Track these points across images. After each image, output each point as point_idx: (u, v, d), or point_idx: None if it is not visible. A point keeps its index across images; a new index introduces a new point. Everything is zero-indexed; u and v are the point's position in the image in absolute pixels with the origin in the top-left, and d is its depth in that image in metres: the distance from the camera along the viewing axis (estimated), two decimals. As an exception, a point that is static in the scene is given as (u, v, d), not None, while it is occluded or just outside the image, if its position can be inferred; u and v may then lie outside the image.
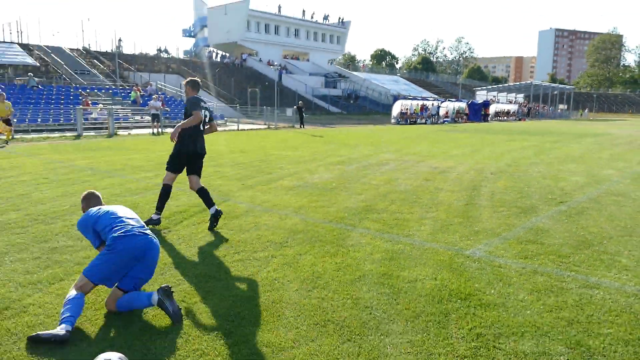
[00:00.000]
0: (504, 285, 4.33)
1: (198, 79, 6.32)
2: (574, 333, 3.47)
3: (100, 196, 4.35)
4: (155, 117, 24.20)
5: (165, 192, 6.19)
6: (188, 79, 6.20)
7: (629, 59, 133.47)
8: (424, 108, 45.84)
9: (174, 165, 6.19)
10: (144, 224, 3.96)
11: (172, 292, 3.58)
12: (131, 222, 3.81)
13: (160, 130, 23.94)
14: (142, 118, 28.40)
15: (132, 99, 31.16)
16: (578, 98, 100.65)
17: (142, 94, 32.20)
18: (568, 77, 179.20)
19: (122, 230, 3.66)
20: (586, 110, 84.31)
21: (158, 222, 6.09)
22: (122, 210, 3.97)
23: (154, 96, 28.23)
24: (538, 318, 3.68)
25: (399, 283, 4.34)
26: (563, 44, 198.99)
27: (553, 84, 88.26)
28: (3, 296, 3.90)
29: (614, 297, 4.12)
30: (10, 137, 17.54)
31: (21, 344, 3.19)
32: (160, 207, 6.16)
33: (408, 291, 4.16)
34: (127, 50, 57.62)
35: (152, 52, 60.52)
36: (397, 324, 3.55)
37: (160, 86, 38.70)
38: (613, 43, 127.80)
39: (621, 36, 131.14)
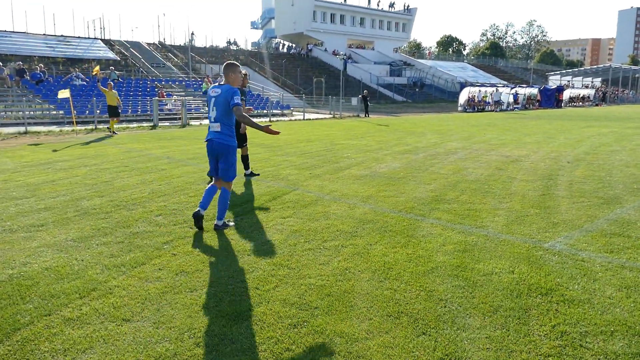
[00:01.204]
0: (588, 280, 4.09)
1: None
2: (670, 334, 3.22)
3: None
4: None
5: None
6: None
7: None
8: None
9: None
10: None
11: None
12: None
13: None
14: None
15: (203, 90, 32.20)
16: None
17: (213, 85, 33.16)
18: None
19: None
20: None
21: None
22: None
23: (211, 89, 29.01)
24: (629, 316, 3.45)
25: (474, 276, 4.20)
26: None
27: (634, 67, 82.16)
28: (91, 277, 4.15)
29: None
30: (113, 127, 18.69)
31: (109, 324, 3.39)
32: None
33: (484, 284, 4.02)
34: (199, 43, 59.53)
35: (222, 44, 62.20)
36: (474, 318, 3.45)
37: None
38: None
39: None
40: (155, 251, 4.83)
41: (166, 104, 26.90)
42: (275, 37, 72.19)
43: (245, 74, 9.01)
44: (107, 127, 19.16)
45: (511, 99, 45.75)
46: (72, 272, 4.27)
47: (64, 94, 17.29)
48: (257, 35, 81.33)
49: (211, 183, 5.77)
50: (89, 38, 43.38)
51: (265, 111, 29.76)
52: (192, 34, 57.74)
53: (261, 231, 5.56)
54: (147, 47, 46.24)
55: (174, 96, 29.07)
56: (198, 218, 5.54)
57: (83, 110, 23.79)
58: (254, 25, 79.12)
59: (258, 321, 3.44)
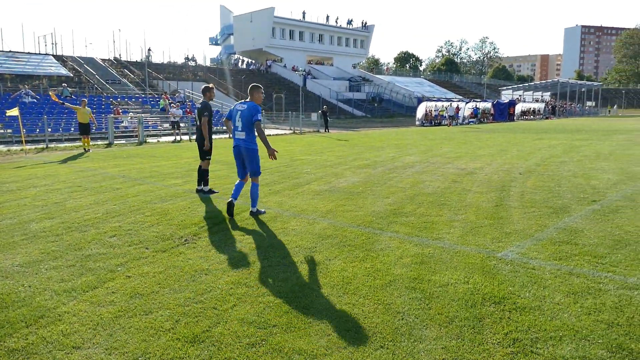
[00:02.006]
0: (538, 287, 4.23)
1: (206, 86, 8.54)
2: (615, 336, 3.36)
3: None
4: (175, 125, 24.60)
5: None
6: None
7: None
8: (458, 110, 45.57)
9: None
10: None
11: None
12: None
13: (181, 137, 24.34)
14: (170, 126, 28.87)
15: (161, 107, 31.76)
16: (606, 94, 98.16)
17: (170, 102, 32.75)
18: (595, 73, 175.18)
19: None
20: (615, 107, 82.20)
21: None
22: None
23: (173, 104, 28.66)
24: (576, 321, 3.58)
25: (430, 287, 4.28)
26: (589, 40, 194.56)
27: (580, 81, 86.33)
28: (39, 304, 3.99)
29: (656, 299, 3.98)
30: (88, 145, 18.39)
31: (57, 353, 3.26)
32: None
33: (440, 296, 4.10)
34: (156, 59, 58.77)
35: (180, 60, 61.54)
36: (430, 330, 3.50)
37: (188, 94, 39.32)
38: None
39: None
40: (109, 274, 4.69)
41: (122, 122, 26.35)
42: (235, 53, 72.09)
43: (212, 87, 9.06)
44: (83, 146, 18.83)
45: (467, 113, 47.13)
46: (18, 300, 4.09)
47: (13, 112, 16.70)
48: (216, 51, 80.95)
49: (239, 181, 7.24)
50: (39, 54, 42.15)
51: (224, 128, 29.52)
52: (149, 49, 57.08)
53: (219, 250, 5.50)
54: (101, 63, 45.33)
55: (130, 113, 28.50)
56: (231, 206, 7.00)
57: (33, 128, 22.99)
58: (212, 41, 78.78)
59: (215, 342, 3.38)
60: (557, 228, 6.20)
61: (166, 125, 29.02)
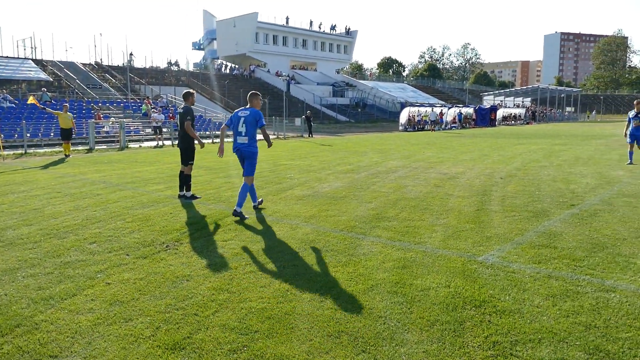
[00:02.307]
0: (518, 291, 4.28)
1: (187, 91, 9.00)
2: (592, 338, 3.42)
3: None
4: (157, 130, 24.42)
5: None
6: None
7: (635, 60, 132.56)
8: (442, 115, 46.03)
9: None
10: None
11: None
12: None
13: (163, 142, 24.16)
14: (152, 131, 28.64)
15: (143, 111, 31.48)
16: (585, 100, 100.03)
17: (153, 107, 32.49)
18: (574, 79, 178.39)
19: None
20: (593, 112, 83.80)
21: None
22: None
23: (154, 109, 28.44)
24: (555, 324, 3.63)
25: (412, 292, 4.30)
26: (569, 47, 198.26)
27: (560, 87, 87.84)
28: (15, 313, 3.91)
29: (631, 300, 4.06)
30: (68, 151, 18.12)
31: (36, 360, 3.20)
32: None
33: (421, 300, 4.12)
34: (138, 64, 58.26)
35: (163, 65, 61.05)
36: (411, 334, 3.52)
37: (170, 99, 39.06)
38: (618, 45, 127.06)
39: (626, 38, 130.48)
40: (88, 281, 4.62)
41: (103, 127, 26.06)
42: (218, 58, 71.90)
43: (193, 93, 9.13)
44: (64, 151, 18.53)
45: (449, 118, 47.61)
46: (-5, 307, 4.01)
47: None
48: (199, 56, 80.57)
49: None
50: (18, 58, 41.51)
51: (207, 132, 29.40)
52: (131, 54, 56.40)
53: (201, 255, 5.46)
54: (82, 67, 44.82)
55: (112, 118, 28.21)
56: (256, 209, 7.88)
57: (11, 134, 22.59)
58: (195, 46, 78.45)
59: (196, 349, 3.35)
60: (536, 232, 6.29)
61: (148, 130, 28.78)
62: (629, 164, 13.51)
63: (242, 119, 7.38)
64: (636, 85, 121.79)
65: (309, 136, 31.64)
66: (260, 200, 8.13)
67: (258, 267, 5.04)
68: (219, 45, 70.41)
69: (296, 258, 5.32)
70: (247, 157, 7.48)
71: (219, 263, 5.19)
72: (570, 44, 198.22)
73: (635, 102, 13.87)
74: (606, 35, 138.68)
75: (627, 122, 13.80)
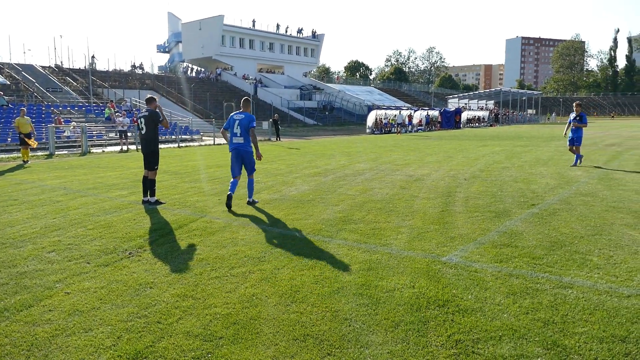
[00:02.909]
0: (480, 289, 4.38)
1: (151, 96, 9.00)
2: (550, 334, 3.52)
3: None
4: (123, 134, 23.95)
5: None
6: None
7: (592, 64, 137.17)
8: (411, 117, 46.66)
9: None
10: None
11: None
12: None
13: (127, 147, 23.71)
14: (116, 135, 28.02)
15: (106, 115, 30.75)
16: (545, 103, 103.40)
17: (116, 110, 31.80)
18: (535, 82, 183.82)
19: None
20: (553, 114, 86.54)
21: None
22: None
23: (119, 113, 27.87)
24: (515, 321, 3.73)
25: (378, 293, 4.34)
26: (529, 51, 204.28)
27: (521, 90, 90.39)
28: (-30, 325, 3.76)
29: (587, 295, 4.20)
30: (27, 156, 17.55)
31: (-10, 374, 3.08)
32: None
33: (387, 301, 4.16)
34: (100, 67, 56.93)
35: (127, 68, 59.80)
36: (376, 335, 3.55)
37: (135, 102, 38.30)
38: (576, 49, 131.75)
39: (584, 42, 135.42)
40: (46, 291, 4.48)
41: (64, 131, 25.34)
42: (184, 61, 70.98)
43: (156, 99, 9.07)
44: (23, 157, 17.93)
45: (415, 121, 48.30)
46: (-55, 321, 3.84)
47: None
48: (164, 58, 79.36)
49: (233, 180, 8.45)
50: (-27, 61, 39.98)
51: (173, 137, 28.96)
52: (93, 57, 55.12)
53: (165, 262, 5.37)
54: (41, 70, 43.50)
55: (73, 122, 27.46)
56: (229, 198, 8.26)
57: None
58: (160, 49, 77.17)
59: (159, 357, 3.29)
60: (498, 231, 6.44)
61: (112, 134, 28.15)
62: (574, 165, 13.77)
63: (237, 122, 8.31)
64: (593, 88, 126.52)
65: (277, 140, 31.57)
66: (229, 194, 8.47)
67: (224, 272, 4.99)
68: (184, 48, 69.54)
69: (262, 262, 5.29)
70: (244, 156, 8.46)
71: (183, 269, 5.11)
72: (530, 48, 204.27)
73: (574, 104, 14.32)
74: (565, 40, 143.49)
75: (567, 124, 14.23)
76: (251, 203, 8.66)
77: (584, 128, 14.07)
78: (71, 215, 7.76)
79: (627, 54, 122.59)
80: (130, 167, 15.28)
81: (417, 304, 4.09)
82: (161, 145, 26.43)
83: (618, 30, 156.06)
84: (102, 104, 35.62)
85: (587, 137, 29.03)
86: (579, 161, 13.96)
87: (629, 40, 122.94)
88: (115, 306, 4.14)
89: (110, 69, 55.49)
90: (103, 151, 22.81)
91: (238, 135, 8.34)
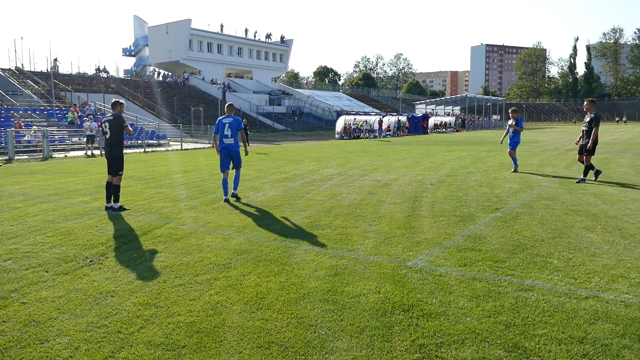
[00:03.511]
0: (445, 293, 4.43)
1: (116, 100, 8.89)
2: (512, 336, 3.58)
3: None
4: (90, 139, 23.40)
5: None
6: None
7: (553, 71, 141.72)
8: (381, 123, 47.10)
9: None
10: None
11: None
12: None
13: (92, 152, 23.16)
14: (80, 139, 27.32)
15: (69, 120, 29.96)
16: (509, 108, 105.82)
17: (79, 114, 31.02)
18: (499, 89, 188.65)
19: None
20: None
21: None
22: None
23: (85, 117, 27.21)
24: (477, 324, 3.78)
25: (343, 299, 4.34)
26: (493, 58, 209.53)
27: (486, 96, 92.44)
28: None
29: (547, 297, 4.30)
30: None
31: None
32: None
33: (352, 306, 4.17)
34: (63, 70, 55.23)
35: (91, 71, 58.35)
36: (341, 341, 3.54)
37: (99, 106, 37.45)
38: (538, 56, 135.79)
39: (545, 50, 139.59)
40: (1, 301, 4.31)
41: (24, 136, 24.53)
42: (150, 65, 69.87)
43: (123, 104, 8.91)
44: None
45: (384, 126, 48.79)
46: None
47: None
48: (129, 62, 77.83)
49: (223, 177, 9.38)
50: None
51: (139, 141, 28.42)
52: (56, 59, 53.37)
53: (128, 270, 5.24)
54: (1, 73, 42.04)
55: (34, 126, 26.63)
56: (227, 201, 9.23)
57: None
58: (126, 52, 75.73)
59: (119, 368, 3.20)
60: (463, 235, 6.54)
61: (75, 139, 27.44)
62: (514, 171, 13.74)
63: (227, 125, 9.24)
64: (555, 94, 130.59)
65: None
66: (228, 196, 9.45)
67: (188, 279, 4.91)
68: (151, 51, 68.48)
69: (228, 269, 5.23)
70: (233, 155, 9.36)
71: (146, 277, 5.00)
72: (494, 55, 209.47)
73: (510, 110, 14.56)
74: (527, 48, 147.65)
75: (506, 130, 14.33)
76: (235, 195, 9.55)
77: (521, 132, 14.14)
78: (30, 222, 7.51)
79: (586, 61, 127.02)
80: (94, 172, 14.91)
81: (382, 309, 4.10)
82: (127, 150, 25.83)
83: (577, 38, 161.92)
84: (65, 108, 34.69)
85: (550, 142, 29.91)
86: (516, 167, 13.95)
87: (588, 48, 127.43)
88: (74, 316, 4.01)
89: (74, 72, 54.18)
90: (65, 156, 22.20)
91: (229, 136, 9.23)
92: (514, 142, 14.03)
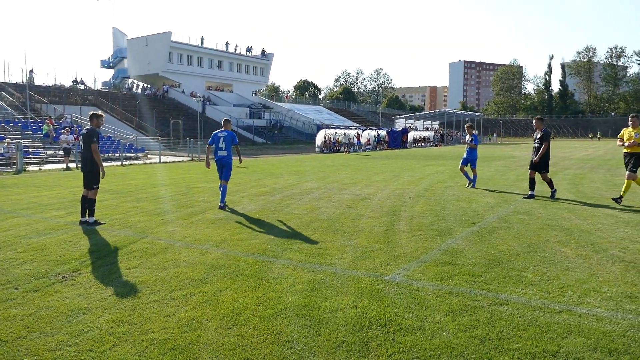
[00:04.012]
0: (421, 308, 4.44)
1: (94, 113, 8.74)
2: (486, 350, 3.60)
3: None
4: (67, 151, 23.02)
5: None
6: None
7: (529, 88, 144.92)
8: (359, 137, 47.41)
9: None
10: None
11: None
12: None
13: (67, 165, 22.77)
14: (55, 152, 26.86)
15: (44, 132, 29.45)
16: (487, 124, 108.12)
17: (55, 127, 30.53)
18: (477, 104, 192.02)
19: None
20: (494, 135, 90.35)
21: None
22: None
23: (63, 130, 26.80)
24: (453, 338, 3.80)
25: (321, 314, 4.32)
26: (471, 74, 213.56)
27: (464, 112, 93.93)
28: None
29: (522, 312, 4.34)
30: None
31: None
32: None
33: (329, 322, 4.15)
34: (39, 81, 54.49)
35: (68, 83, 57.55)
36: (318, 357, 3.52)
37: (75, 119, 36.92)
38: (514, 73, 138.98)
39: (521, 67, 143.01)
40: (-33, 319, 4.18)
41: (-3, 148, 24.02)
42: (129, 77, 69.31)
43: (101, 116, 8.78)
44: None
45: (364, 140, 49.14)
46: None
47: None
48: (108, 74, 77.08)
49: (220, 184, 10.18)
50: None
51: (117, 154, 28.06)
52: (31, 71, 52.51)
53: (102, 286, 5.14)
54: (-26, 84, 41.24)
55: (7, 139, 26.10)
56: (222, 208, 9.98)
57: None
58: (104, 64, 74.97)
59: (89, 388, 3.12)
60: (440, 250, 6.59)
61: (50, 152, 26.97)
62: (470, 186, 13.74)
63: (222, 138, 10.05)
64: (531, 110, 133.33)
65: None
66: (223, 203, 10.21)
67: (163, 295, 4.83)
68: (130, 64, 67.97)
69: (204, 284, 5.16)
70: (225, 165, 10.06)
71: (120, 293, 4.91)
72: (472, 72, 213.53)
73: (466, 126, 14.60)
74: (504, 64, 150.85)
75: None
76: (222, 207, 10.02)
77: (477, 149, 14.16)
78: (0, 237, 7.32)
79: (561, 79, 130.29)
80: (69, 186, 14.64)
81: (359, 324, 4.10)
82: (105, 164, 25.46)
83: (552, 56, 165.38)
84: (40, 120, 34.12)
85: (526, 157, 30.44)
86: (472, 183, 13.86)
87: (562, 66, 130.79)
88: (44, 334, 3.91)
89: (50, 84, 53.39)
90: (40, 169, 21.78)
91: (223, 149, 10.02)
92: (473, 158, 13.97)
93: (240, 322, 4.15)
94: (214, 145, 10.06)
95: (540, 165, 11.41)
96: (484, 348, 3.64)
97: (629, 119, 10.42)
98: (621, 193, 10.43)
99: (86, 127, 8.64)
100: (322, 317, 4.24)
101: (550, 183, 11.56)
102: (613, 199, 10.55)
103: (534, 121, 12.11)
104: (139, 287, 5.10)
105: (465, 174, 14.29)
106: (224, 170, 10.07)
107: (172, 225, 8.40)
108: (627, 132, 10.43)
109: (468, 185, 13.97)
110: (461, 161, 14.22)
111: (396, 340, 3.77)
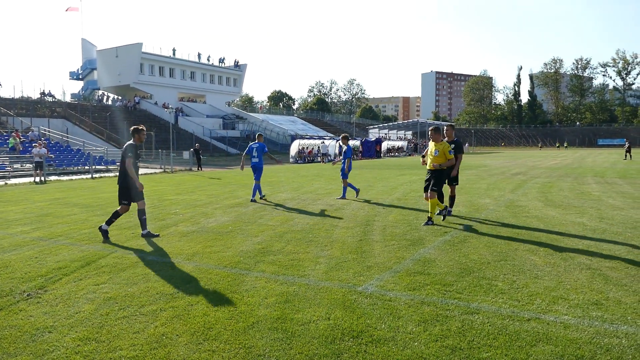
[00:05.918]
0: (394, 318, 4.46)
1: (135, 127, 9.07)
2: (458, 360, 3.63)
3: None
4: (38, 165, 22.44)
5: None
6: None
7: (499, 98, 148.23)
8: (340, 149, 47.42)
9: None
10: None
11: None
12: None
13: (43, 178, 22.19)
14: (22, 166, 26.15)
15: (10, 145, 28.66)
16: (459, 134, 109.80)
17: (22, 140, 29.77)
18: (449, 114, 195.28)
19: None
20: (466, 145, 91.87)
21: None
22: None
23: (35, 143, 26.16)
24: (425, 349, 3.82)
25: (293, 326, 4.29)
26: (443, 85, 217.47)
27: (437, 122, 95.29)
28: None
29: (492, 320, 4.40)
30: None
31: None
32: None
33: (302, 334, 4.12)
34: (5, 93, 53.27)
35: (35, 95, 56.28)
36: (289, 370, 3.49)
37: (43, 131, 36.08)
38: (485, 84, 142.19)
39: (491, 78, 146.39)
40: None
41: (-39, 162, 23.29)
42: (99, 89, 68.22)
43: (142, 130, 9.10)
44: None
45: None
46: None
47: None
48: (77, 86, 75.75)
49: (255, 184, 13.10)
50: None
51: (86, 167, 27.49)
52: (-4, 82, 51.37)
53: (68, 303, 5.00)
54: (-64, 96, 39.99)
55: (-28, 152, 25.34)
56: (253, 201, 12.84)
57: None
58: (73, 76, 73.61)
59: (54, 410, 3.02)
60: (413, 259, 6.64)
61: (17, 165, 26.28)
62: (342, 198, 13.55)
63: (255, 148, 13.50)
64: (501, 120, 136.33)
65: (198, 169, 30.91)
66: (262, 195, 13.74)
67: (132, 311, 4.73)
68: (100, 75, 66.97)
69: (175, 299, 5.08)
70: (259, 170, 13.51)
71: (88, 310, 4.78)
72: (444, 82, 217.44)
73: (341, 136, 13.96)
74: (474, 75, 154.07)
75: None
76: (254, 201, 13.06)
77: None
78: (-38, 255, 7.07)
79: (530, 89, 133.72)
80: (36, 200, 14.26)
81: (331, 336, 4.08)
82: (72, 177, 25.03)
83: (521, 67, 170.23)
84: (6, 133, 33.24)
85: (497, 167, 31.03)
86: (345, 193, 13.71)
87: (531, 77, 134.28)
88: (7, 355, 3.78)
89: (17, 96, 52.21)
90: (6, 183, 21.16)
91: (255, 157, 13.50)
92: (342, 169, 13.66)
93: (212, 337, 4.09)
94: (249, 154, 13.49)
95: (453, 177, 10.46)
96: (454, 358, 3.67)
97: (428, 132, 8.98)
98: (429, 215, 9.41)
99: (127, 142, 8.66)
100: (294, 330, 4.21)
101: (452, 198, 10.75)
102: (430, 220, 9.33)
103: (445, 129, 10.42)
104: (108, 303, 4.99)
105: (351, 187, 13.81)
106: (256, 172, 13.39)
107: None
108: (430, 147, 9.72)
109: (340, 197, 13.61)
110: (341, 174, 13.72)
111: (368, 352, 3.77)
